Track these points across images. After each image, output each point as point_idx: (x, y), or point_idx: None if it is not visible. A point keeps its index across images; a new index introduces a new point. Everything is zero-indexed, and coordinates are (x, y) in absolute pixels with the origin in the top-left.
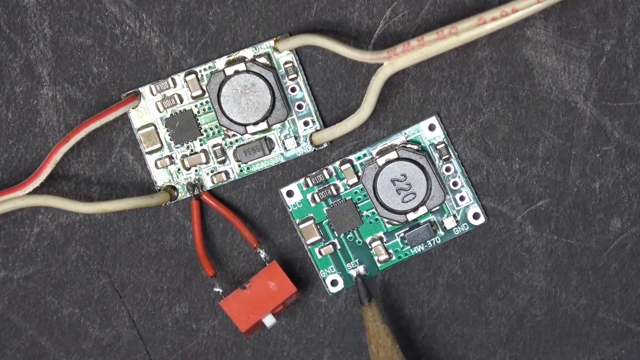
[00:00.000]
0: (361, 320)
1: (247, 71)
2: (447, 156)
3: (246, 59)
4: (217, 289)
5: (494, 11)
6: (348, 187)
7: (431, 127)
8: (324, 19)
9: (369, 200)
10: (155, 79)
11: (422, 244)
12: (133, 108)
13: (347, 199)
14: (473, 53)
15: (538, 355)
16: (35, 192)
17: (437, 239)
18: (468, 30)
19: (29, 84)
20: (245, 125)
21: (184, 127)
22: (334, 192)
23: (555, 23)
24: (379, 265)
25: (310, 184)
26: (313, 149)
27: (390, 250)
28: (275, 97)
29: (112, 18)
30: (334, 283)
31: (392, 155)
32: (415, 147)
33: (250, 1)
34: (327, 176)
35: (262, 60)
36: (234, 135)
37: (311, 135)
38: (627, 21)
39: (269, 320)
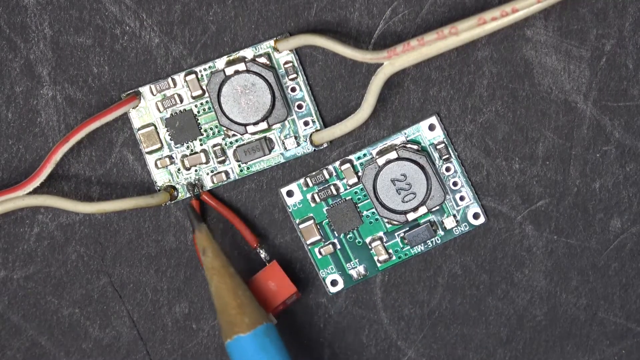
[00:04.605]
0: (361, 320)
1: (247, 71)
2: (447, 156)
3: (246, 59)
4: None
5: (494, 11)
6: (348, 187)
7: (431, 127)
8: (324, 19)
9: (369, 200)
10: (155, 79)
11: (422, 244)
12: (133, 108)
13: (347, 199)
14: (473, 53)
15: (538, 355)
16: (35, 192)
17: (437, 239)
18: (468, 30)
19: (29, 84)
20: (245, 125)
21: (184, 127)
22: (334, 192)
23: (555, 23)
24: (379, 265)
25: (310, 184)
26: (313, 149)
27: (390, 250)
28: (275, 97)
29: (112, 18)
30: (334, 283)
31: (392, 155)
32: (415, 147)
33: (250, 1)
34: (327, 176)
35: (262, 60)
36: (234, 135)
37: (311, 135)
38: (627, 21)
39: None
